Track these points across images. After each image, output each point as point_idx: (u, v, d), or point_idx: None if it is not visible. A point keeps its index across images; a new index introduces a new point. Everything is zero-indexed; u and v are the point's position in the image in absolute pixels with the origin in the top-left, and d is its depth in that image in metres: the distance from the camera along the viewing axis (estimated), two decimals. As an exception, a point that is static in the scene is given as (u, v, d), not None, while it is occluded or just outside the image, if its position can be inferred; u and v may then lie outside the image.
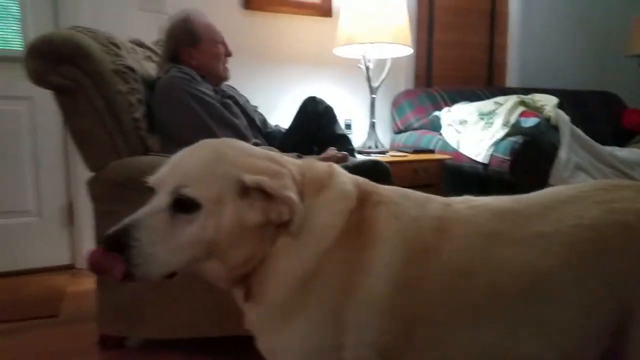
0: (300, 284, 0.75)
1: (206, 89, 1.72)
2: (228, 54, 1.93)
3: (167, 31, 1.85)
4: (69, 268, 2.52)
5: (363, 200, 0.80)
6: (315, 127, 1.94)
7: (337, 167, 0.86)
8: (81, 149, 1.53)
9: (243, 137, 1.60)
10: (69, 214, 2.53)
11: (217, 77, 1.89)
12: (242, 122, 1.78)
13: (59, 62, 1.39)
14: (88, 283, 2.24)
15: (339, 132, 1.98)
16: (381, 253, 0.74)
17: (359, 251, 0.75)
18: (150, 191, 0.78)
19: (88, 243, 2.48)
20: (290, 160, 0.84)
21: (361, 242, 0.75)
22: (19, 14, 2.36)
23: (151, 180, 0.78)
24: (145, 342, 1.64)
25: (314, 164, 0.85)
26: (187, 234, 0.73)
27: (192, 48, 1.82)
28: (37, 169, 2.46)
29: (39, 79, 1.41)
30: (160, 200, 0.74)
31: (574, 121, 2.41)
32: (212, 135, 1.54)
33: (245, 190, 0.74)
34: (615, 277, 0.69)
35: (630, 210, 0.71)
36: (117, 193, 1.45)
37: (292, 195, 0.73)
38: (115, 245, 0.70)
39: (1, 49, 2.37)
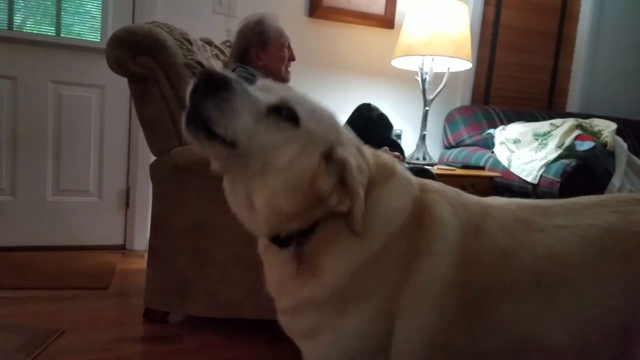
0: (364, 266, 0.76)
1: None
2: (292, 58, 2.02)
3: (240, 31, 1.95)
4: (120, 248, 2.67)
5: (421, 188, 0.84)
6: (368, 133, 1.97)
7: (397, 162, 0.89)
8: (148, 134, 1.63)
9: None
10: (126, 198, 2.67)
11: (278, 79, 1.97)
12: None
13: (138, 53, 1.50)
14: (137, 263, 2.38)
15: (392, 138, 2.02)
16: (443, 231, 0.77)
17: (420, 231, 0.78)
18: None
19: (140, 226, 2.62)
20: (365, 148, 0.85)
21: (422, 223, 0.79)
22: (95, 11, 2.54)
23: (261, 82, 0.80)
24: (187, 319, 1.72)
25: (380, 154, 0.88)
26: (267, 130, 0.72)
27: (260, 50, 1.91)
28: (101, 154, 2.62)
29: (119, 66, 1.52)
30: (267, 96, 0.75)
31: (638, 152, 2.32)
32: None
33: (329, 157, 0.75)
34: (624, 276, 0.72)
35: None
36: (176, 176, 1.55)
37: (361, 193, 0.73)
38: (220, 80, 0.69)
39: (79, 39, 2.55)
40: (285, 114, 0.73)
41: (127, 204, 2.67)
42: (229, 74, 0.73)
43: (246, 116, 0.70)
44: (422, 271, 0.75)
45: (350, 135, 0.84)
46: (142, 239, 2.62)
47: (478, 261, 0.76)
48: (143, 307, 1.68)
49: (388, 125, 2.04)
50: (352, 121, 2.04)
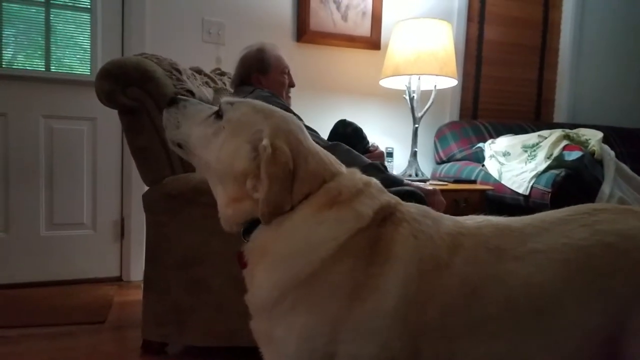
0: (294, 287, 0.79)
1: None
2: (292, 84, 2.07)
3: (242, 58, 1.99)
4: (117, 280, 2.64)
5: (384, 219, 0.83)
6: None
7: (373, 187, 0.88)
8: (140, 165, 1.64)
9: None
10: (121, 230, 2.66)
11: None
12: None
13: (127, 85, 1.52)
14: (134, 294, 2.36)
15: (365, 148, 2.11)
16: (395, 270, 0.76)
17: (369, 266, 0.77)
18: None
19: (136, 257, 2.60)
20: (327, 164, 0.88)
21: (374, 258, 0.78)
22: (85, 44, 2.58)
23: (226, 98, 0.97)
24: (186, 349, 1.70)
25: (350, 179, 0.88)
26: (204, 129, 0.91)
27: (261, 75, 1.96)
28: (94, 186, 2.62)
29: (109, 99, 1.53)
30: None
31: (626, 159, 2.35)
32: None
33: (257, 147, 0.83)
34: (604, 293, 0.71)
35: (611, 231, 0.75)
36: (169, 206, 1.55)
37: (265, 180, 0.79)
38: (172, 102, 0.97)
39: (68, 73, 2.58)
40: (217, 115, 0.91)
41: (122, 235, 2.66)
42: (182, 97, 1.00)
43: (185, 123, 0.94)
44: (366, 304, 0.75)
45: (309, 140, 0.90)
46: (138, 269, 2.60)
47: (435, 300, 0.75)
48: (141, 339, 1.66)
49: (362, 138, 2.11)
50: (331, 138, 2.11)
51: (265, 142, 0.81)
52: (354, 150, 1.68)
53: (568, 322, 0.72)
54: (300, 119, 2.06)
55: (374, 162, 1.66)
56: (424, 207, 0.89)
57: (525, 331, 0.73)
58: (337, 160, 0.92)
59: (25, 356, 1.64)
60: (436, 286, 0.76)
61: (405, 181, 1.75)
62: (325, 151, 0.92)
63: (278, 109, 0.92)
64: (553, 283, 0.73)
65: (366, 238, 0.80)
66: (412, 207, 0.87)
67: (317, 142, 1.67)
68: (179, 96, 0.99)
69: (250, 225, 0.86)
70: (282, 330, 0.80)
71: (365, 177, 0.91)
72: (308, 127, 1.79)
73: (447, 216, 0.88)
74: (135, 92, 1.53)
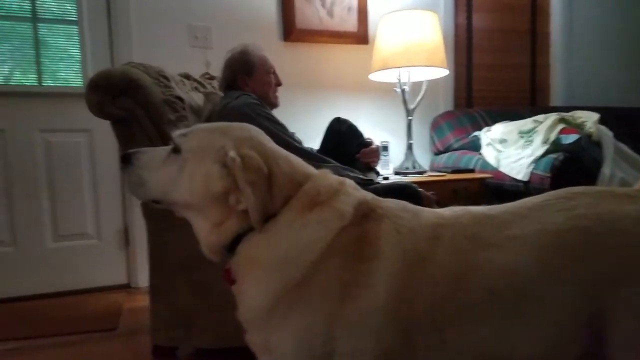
0: (287, 293, 0.80)
1: None
2: (278, 83, 2.07)
3: (226, 61, 2.00)
4: (125, 287, 2.68)
5: (365, 216, 0.84)
6: (340, 145, 2.07)
7: (348, 186, 0.90)
8: (136, 173, 1.66)
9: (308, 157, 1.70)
10: (125, 237, 2.69)
11: (268, 104, 2.00)
12: None
13: (116, 95, 1.52)
14: (143, 300, 2.38)
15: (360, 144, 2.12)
16: (383, 266, 0.78)
17: (357, 263, 0.78)
18: None
19: (142, 263, 2.63)
20: (298, 166, 0.90)
21: (360, 255, 0.79)
22: (78, 55, 2.60)
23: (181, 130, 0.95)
24: (196, 352, 1.72)
25: (325, 179, 0.89)
26: (166, 169, 0.89)
27: (247, 76, 1.97)
28: (96, 196, 2.64)
29: (99, 110, 1.54)
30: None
31: (625, 139, 2.33)
32: (292, 147, 1.62)
33: (225, 163, 0.83)
34: (580, 277, 0.71)
35: (588, 215, 0.74)
36: (168, 211, 1.56)
37: (247, 189, 0.79)
38: (125, 160, 0.93)
39: (64, 87, 2.60)
40: (175, 151, 0.89)
41: (127, 242, 2.69)
42: (131, 150, 0.95)
43: (147, 174, 0.91)
44: (358, 301, 0.77)
45: (271, 143, 0.90)
46: (145, 275, 2.58)
47: (422, 291, 0.76)
48: (151, 344, 1.68)
49: (357, 135, 2.13)
50: (326, 137, 2.12)
51: (231, 153, 0.82)
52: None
53: (547, 306, 0.72)
54: (282, 124, 2.03)
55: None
56: (402, 201, 0.90)
57: (508, 316, 0.74)
58: (304, 162, 0.93)
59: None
60: (422, 278, 0.77)
61: None
62: (290, 153, 0.93)
63: (233, 123, 0.93)
64: (529, 268, 0.73)
65: (351, 235, 0.81)
66: (390, 203, 0.88)
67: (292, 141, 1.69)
68: (127, 152, 0.95)
69: (233, 242, 0.87)
70: (277, 336, 0.81)
71: (338, 177, 0.92)
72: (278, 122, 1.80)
73: (426, 209, 0.89)
74: (124, 102, 1.53)
